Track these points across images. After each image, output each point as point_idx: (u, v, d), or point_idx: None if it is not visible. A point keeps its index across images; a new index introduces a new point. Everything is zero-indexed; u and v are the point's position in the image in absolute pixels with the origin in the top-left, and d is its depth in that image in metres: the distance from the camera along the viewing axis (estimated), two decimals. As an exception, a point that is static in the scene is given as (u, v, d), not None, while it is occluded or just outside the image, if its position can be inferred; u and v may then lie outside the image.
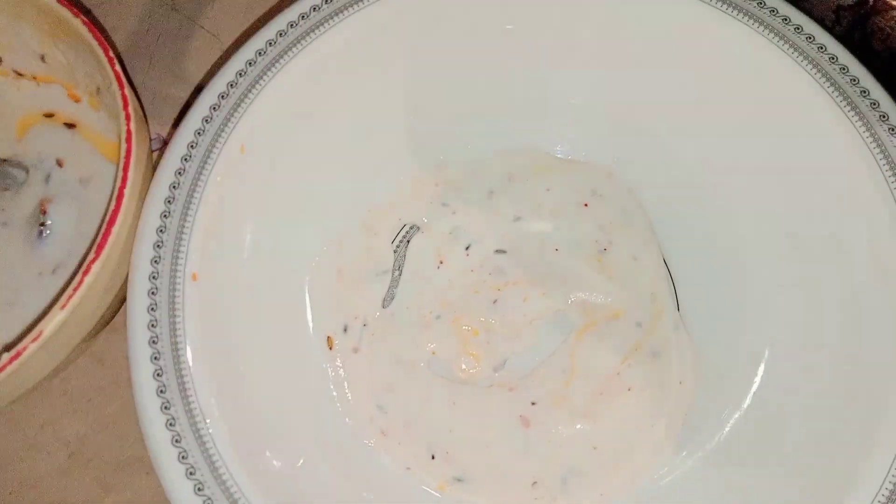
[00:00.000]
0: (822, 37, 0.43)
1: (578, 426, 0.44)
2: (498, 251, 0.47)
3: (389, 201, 0.48)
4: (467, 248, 0.48)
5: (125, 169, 0.38)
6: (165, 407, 0.37)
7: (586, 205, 0.48)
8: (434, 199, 0.48)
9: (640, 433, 0.44)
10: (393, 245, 0.47)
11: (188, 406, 0.37)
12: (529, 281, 0.47)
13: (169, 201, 0.40)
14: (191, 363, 0.38)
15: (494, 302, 0.47)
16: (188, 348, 0.38)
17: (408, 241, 0.48)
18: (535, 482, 0.43)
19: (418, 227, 0.48)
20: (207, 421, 0.37)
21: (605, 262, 0.48)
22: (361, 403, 0.45)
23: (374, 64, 0.46)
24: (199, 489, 0.36)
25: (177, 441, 0.36)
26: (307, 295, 0.46)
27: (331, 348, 0.45)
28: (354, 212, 0.47)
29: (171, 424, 0.37)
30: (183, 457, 0.36)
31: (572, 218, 0.48)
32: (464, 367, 0.45)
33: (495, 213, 0.48)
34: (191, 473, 0.36)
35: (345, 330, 0.46)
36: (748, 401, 0.44)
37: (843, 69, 0.43)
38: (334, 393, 0.45)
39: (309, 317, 0.45)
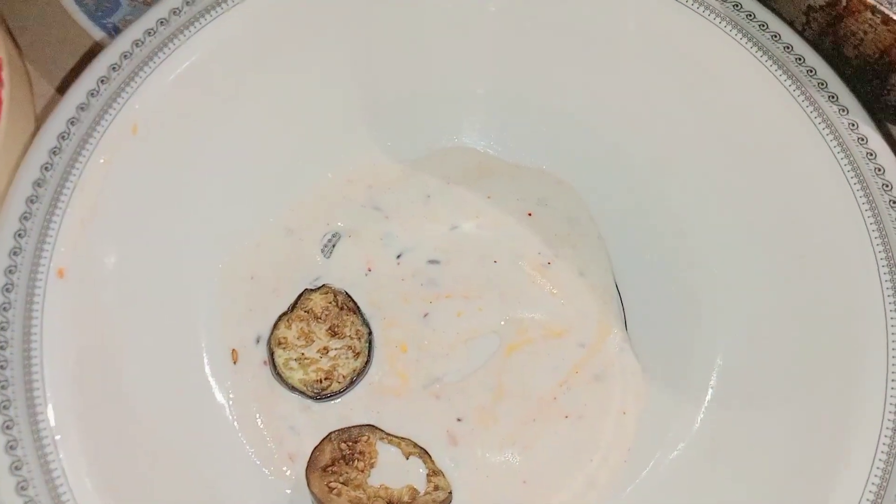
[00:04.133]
0: (789, 36, 0.41)
1: (508, 454, 0.42)
2: (431, 261, 0.45)
3: (315, 202, 0.46)
4: (399, 257, 0.45)
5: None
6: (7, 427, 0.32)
7: (531, 214, 0.46)
8: (366, 203, 0.46)
9: (575, 467, 0.42)
10: (318, 250, 0.45)
11: (37, 433, 0.33)
12: (464, 295, 0.45)
13: (39, 184, 0.37)
14: (46, 380, 0.34)
15: (425, 316, 0.44)
16: (44, 361, 0.35)
17: (333, 246, 0.45)
18: (457, 519, 0.41)
19: (346, 233, 0.45)
20: (61, 455, 0.33)
21: (548, 277, 0.45)
22: (269, 424, 0.42)
23: (299, 40, 0.43)
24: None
25: (17, 468, 0.32)
26: (212, 303, 0.43)
27: (235, 362, 0.43)
28: (273, 211, 0.45)
29: (11, 447, 0.32)
30: (23, 488, 0.31)
31: (515, 228, 0.46)
32: (390, 383, 0.43)
33: (431, 220, 0.46)
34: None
35: (257, 341, 0.43)
36: (696, 434, 0.42)
37: (811, 71, 0.41)
38: (234, 414, 0.42)
39: (211, 327, 0.43)
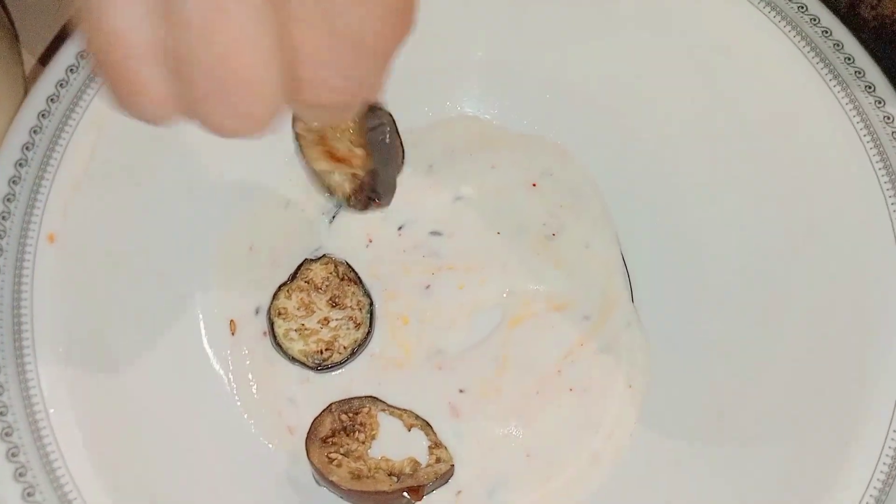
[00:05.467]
0: (802, -5, 0.41)
1: (511, 427, 0.42)
2: (433, 233, 0.45)
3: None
4: (400, 229, 0.45)
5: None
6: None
7: (535, 185, 0.46)
8: (366, 173, 0.45)
9: (580, 441, 0.42)
10: (317, 221, 0.45)
11: (29, 401, 0.32)
12: (466, 267, 0.44)
13: (27, 147, 0.36)
14: (37, 349, 0.34)
15: (427, 288, 0.44)
16: (35, 329, 0.34)
17: (333, 217, 0.45)
18: (459, 491, 0.41)
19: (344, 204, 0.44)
20: (53, 424, 0.32)
21: (552, 249, 0.45)
22: (268, 396, 0.42)
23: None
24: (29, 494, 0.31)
25: (7, 435, 0.31)
26: (210, 274, 0.42)
27: (233, 334, 0.42)
28: (273, 181, 0.44)
29: (1, 413, 0.31)
30: (13, 454, 0.31)
31: (519, 199, 0.46)
32: (392, 355, 0.43)
33: (433, 191, 0.45)
34: (21, 475, 0.31)
35: (256, 312, 0.43)
36: (702, 408, 0.41)
37: (826, 32, 0.40)
38: (232, 385, 0.42)
39: (208, 298, 0.42)
